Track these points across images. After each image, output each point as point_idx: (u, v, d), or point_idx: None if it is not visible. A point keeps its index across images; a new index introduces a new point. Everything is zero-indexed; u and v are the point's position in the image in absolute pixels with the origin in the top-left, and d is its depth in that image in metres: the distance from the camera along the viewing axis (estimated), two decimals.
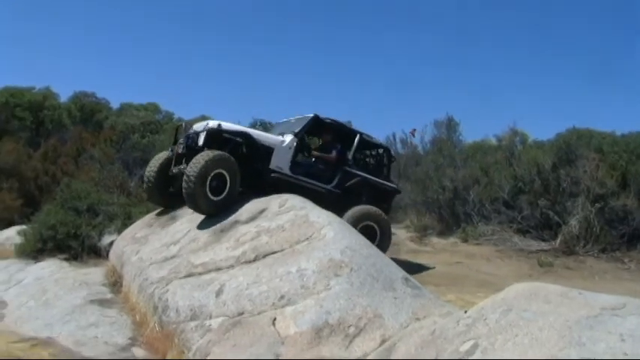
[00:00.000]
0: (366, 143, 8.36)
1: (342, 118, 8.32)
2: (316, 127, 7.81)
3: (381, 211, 7.61)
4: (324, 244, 4.86)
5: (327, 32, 67.24)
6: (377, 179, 8.07)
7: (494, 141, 15.66)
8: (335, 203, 7.01)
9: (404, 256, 8.84)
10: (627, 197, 9.76)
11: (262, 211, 5.96)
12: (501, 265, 8.96)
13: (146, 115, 21.67)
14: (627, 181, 10.15)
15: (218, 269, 5.16)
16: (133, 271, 6.22)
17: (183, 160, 6.88)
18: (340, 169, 7.69)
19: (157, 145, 14.89)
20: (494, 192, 11.05)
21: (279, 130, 7.89)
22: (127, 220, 8.61)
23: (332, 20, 67.08)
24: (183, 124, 8.10)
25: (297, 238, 5.12)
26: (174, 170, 7.01)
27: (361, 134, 8.09)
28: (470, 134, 16.48)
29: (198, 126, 7.12)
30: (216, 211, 6.29)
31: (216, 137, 6.73)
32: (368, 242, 5.27)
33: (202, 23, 67.88)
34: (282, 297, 4.38)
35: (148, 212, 8.06)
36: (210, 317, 4.50)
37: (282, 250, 5.04)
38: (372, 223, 7.36)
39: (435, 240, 11.05)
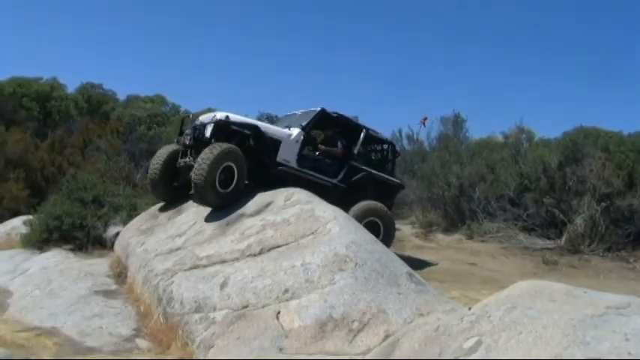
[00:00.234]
0: (372, 138, 8.34)
1: (348, 114, 8.30)
2: (322, 121, 7.77)
3: (385, 208, 7.60)
4: (329, 239, 4.86)
5: (334, 27, 67.17)
6: (382, 174, 8.05)
7: (500, 138, 15.62)
8: (340, 198, 7.02)
9: (409, 252, 8.84)
10: (633, 197, 9.72)
11: (268, 205, 5.96)
12: (506, 262, 8.95)
13: (153, 107, 21.69)
14: (633, 181, 10.11)
15: (223, 262, 5.17)
16: (138, 262, 6.24)
17: (190, 152, 6.87)
18: (346, 164, 7.67)
19: (164, 136, 14.99)
20: (500, 189, 11.00)
21: (285, 123, 7.85)
22: (133, 212, 8.64)
23: (340, 15, 67.00)
24: (190, 116, 8.09)
25: (302, 233, 5.12)
26: (181, 163, 6.99)
27: (367, 129, 8.08)
28: (476, 131, 16.41)
29: (204, 117, 7.07)
30: (223, 204, 6.27)
31: (224, 129, 6.68)
32: (373, 237, 5.27)
33: (210, 16, 67.98)
34: (286, 291, 4.39)
35: (153, 204, 8.06)
36: (215, 310, 4.52)
37: (287, 244, 5.05)
38: (375, 219, 7.34)
39: (440, 236, 11.04)
